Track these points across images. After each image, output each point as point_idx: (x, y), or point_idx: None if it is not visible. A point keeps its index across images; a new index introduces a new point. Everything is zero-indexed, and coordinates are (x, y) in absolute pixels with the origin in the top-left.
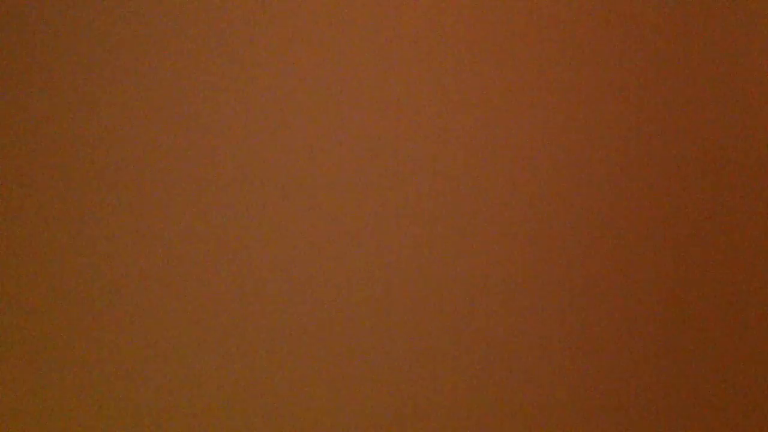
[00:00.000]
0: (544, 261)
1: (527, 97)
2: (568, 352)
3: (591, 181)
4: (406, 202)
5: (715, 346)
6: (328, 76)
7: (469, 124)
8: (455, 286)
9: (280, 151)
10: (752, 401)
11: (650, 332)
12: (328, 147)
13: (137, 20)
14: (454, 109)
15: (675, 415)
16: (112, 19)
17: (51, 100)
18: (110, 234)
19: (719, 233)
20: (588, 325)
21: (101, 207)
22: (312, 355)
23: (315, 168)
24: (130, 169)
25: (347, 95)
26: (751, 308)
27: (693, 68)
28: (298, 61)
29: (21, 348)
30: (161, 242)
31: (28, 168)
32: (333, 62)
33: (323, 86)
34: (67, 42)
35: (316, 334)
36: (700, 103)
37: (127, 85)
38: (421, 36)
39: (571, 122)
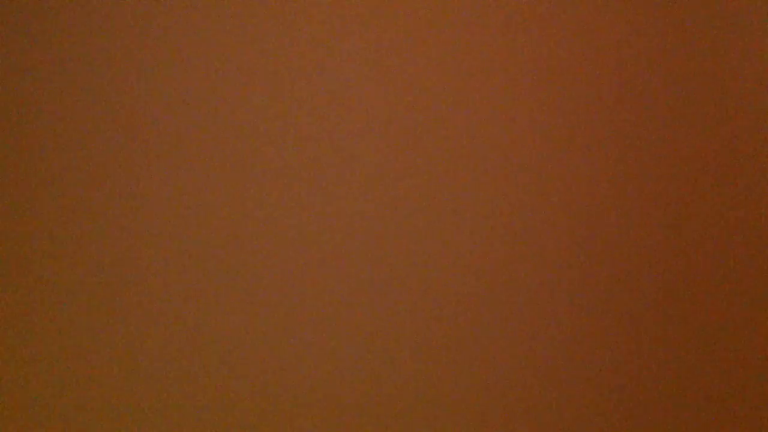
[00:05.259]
0: (544, 261)
1: (527, 98)
2: (568, 353)
3: (590, 181)
4: (406, 202)
5: (715, 347)
6: (329, 75)
7: (469, 124)
8: (455, 287)
9: (281, 151)
10: (752, 401)
11: (649, 333)
12: (328, 147)
13: (137, 20)
14: (454, 110)
15: (674, 415)
16: (112, 18)
17: (50, 100)
18: (109, 233)
19: (719, 233)
20: (587, 325)
21: (100, 206)
22: (311, 355)
23: (315, 168)
24: (130, 167)
25: (347, 95)
26: (751, 308)
27: (693, 68)
28: (297, 61)
29: (21, 348)
30: (160, 242)
31: (29, 168)
32: (333, 62)
33: (323, 86)
34: (67, 42)
35: (316, 334)
36: (700, 103)
37: (125, 85)
38: (420, 36)
39: (570, 122)
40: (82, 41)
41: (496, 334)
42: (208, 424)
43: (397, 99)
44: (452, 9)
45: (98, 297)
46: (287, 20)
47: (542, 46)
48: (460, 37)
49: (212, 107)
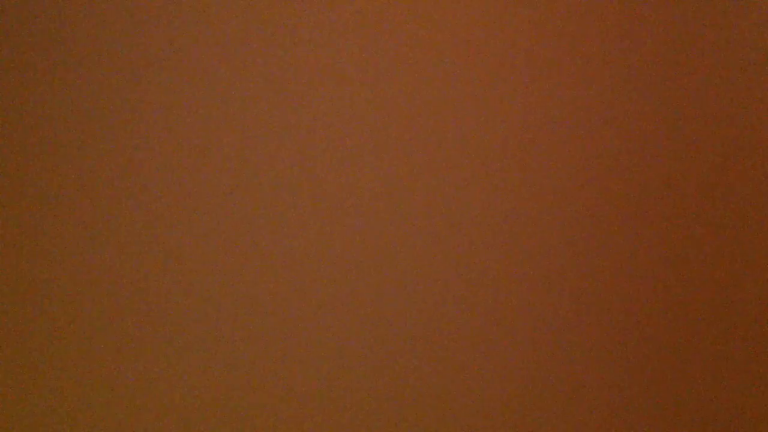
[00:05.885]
0: (544, 262)
1: (527, 98)
2: (567, 353)
3: (589, 182)
4: (405, 203)
5: (715, 347)
6: (328, 76)
7: (468, 124)
8: (454, 288)
9: (280, 152)
10: (752, 401)
11: (649, 334)
12: (327, 148)
13: (137, 20)
14: (454, 110)
15: (673, 415)
16: (112, 19)
17: (51, 101)
18: (110, 234)
19: (719, 234)
20: (587, 326)
21: (99, 207)
22: (310, 357)
23: (314, 169)
24: (130, 168)
25: (346, 96)
26: (751, 308)
27: (693, 68)
28: (297, 61)
29: (21, 348)
30: (160, 242)
31: (30, 170)
32: (332, 62)
33: (323, 87)
34: (67, 42)
35: (315, 336)
36: (700, 103)
37: (125, 86)
38: (419, 36)
39: (569, 123)
40: (82, 40)
41: (497, 335)
42: (208, 424)
43: (396, 99)
44: (451, 8)
45: (97, 297)
46: (287, 20)
47: (541, 44)
48: (459, 37)
49: (211, 108)
